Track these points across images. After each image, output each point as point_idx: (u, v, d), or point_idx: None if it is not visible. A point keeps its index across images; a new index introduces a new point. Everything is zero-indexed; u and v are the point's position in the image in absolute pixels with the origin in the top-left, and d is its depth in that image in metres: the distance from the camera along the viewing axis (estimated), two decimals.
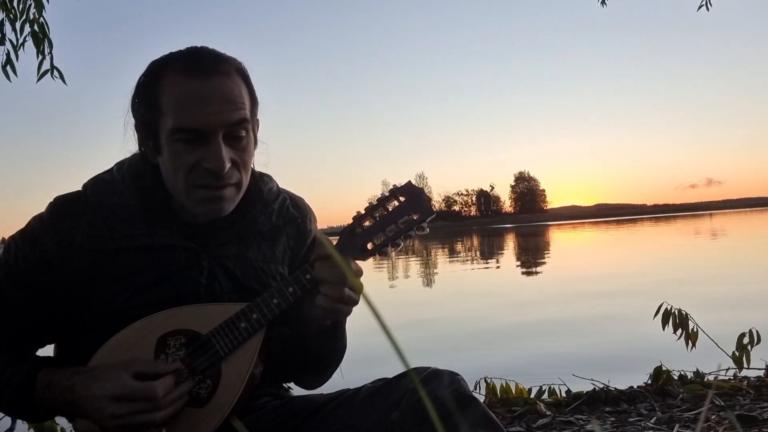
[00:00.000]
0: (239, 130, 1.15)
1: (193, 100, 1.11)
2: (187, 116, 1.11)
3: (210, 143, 1.13)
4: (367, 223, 1.20)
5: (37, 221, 1.20)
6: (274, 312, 1.17)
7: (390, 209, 1.19)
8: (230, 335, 1.16)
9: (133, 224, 1.20)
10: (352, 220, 1.20)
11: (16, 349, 1.20)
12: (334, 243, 1.20)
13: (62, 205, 1.21)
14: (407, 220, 1.19)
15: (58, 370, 1.15)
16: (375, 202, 1.21)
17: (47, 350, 1.28)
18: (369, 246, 1.19)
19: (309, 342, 1.26)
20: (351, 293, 1.16)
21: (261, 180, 1.31)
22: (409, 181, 1.22)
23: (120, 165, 1.26)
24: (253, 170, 1.25)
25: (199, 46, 1.19)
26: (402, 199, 1.19)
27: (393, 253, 1.22)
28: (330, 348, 1.29)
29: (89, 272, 1.17)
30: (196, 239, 1.23)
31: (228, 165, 1.14)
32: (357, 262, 1.19)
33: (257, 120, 1.23)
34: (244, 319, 1.17)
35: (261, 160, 1.28)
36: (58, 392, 1.12)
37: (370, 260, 1.22)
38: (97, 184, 1.23)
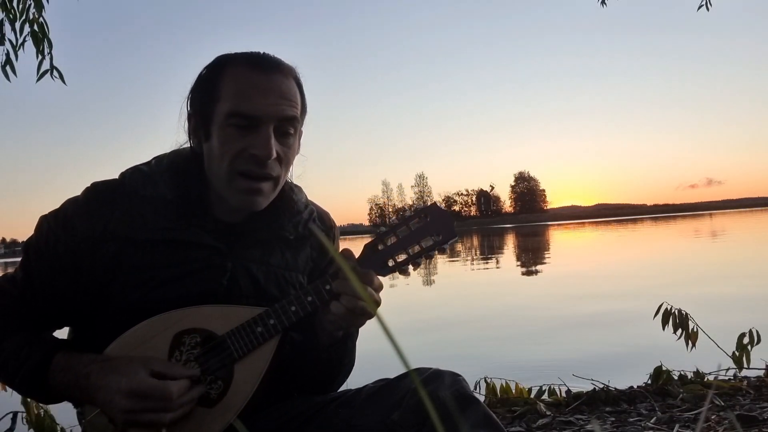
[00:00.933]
0: (289, 126, 1.20)
1: (253, 89, 1.17)
2: (244, 102, 1.16)
3: (260, 132, 1.17)
4: (389, 241, 1.21)
5: (72, 204, 1.21)
6: (291, 319, 1.18)
7: (413, 228, 1.21)
8: (246, 338, 1.17)
9: (164, 217, 1.21)
10: (375, 236, 1.22)
11: (35, 329, 1.20)
12: (356, 257, 1.21)
13: (99, 191, 1.22)
14: (429, 241, 1.20)
15: (76, 354, 1.16)
16: (399, 220, 1.22)
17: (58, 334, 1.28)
18: (390, 263, 1.21)
19: (318, 351, 1.26)
20: (366, 306, 1.16)
21: (292, 190, 1.33)
22: (435, 202, 1.24)
23: (159, 159, 1.28)
24: (286, 180, 1.27)
25: (261, 52, 1.24)
26: (427, 219, 1.21)
27: (413, 271, 1.24)
28: (338, 361, 1.30)
29: (115, 260, 1.18)
30: (224, 239, 1.24)
31: (274, 155, 1.17)
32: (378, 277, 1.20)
33: (301, 130, 1.27)
34: (261, 323, 1.17)
35: (295, 172, 1.31)
36: (72, 377, 1.13)
37: None
38: (135, 174, 1.25)
